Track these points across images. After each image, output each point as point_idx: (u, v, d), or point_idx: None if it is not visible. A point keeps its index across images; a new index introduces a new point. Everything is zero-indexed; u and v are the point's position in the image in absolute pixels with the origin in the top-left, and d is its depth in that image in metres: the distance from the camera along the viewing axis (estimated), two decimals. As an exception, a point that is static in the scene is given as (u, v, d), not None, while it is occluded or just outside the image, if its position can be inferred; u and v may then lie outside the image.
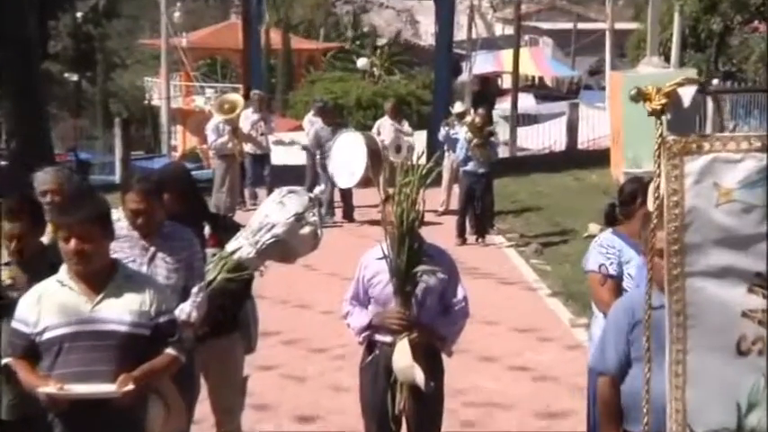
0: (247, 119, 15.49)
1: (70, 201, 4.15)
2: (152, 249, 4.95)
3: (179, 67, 41.27)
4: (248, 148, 15.43)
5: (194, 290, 5.00)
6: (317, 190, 5.74)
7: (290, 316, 9.72)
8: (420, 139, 18.20)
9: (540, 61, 44.27)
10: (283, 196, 5.42)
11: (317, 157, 14.68)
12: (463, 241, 13.32)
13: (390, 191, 5.00)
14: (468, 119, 13.57)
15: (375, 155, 13.66)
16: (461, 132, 13.51)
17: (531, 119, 31.68)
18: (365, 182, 13.79)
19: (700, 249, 3.17)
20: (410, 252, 4.89)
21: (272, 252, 5.35)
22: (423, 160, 5.29)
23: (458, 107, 15.46)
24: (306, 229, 5.33)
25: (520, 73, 32.25)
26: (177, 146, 38.26)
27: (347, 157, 13.74)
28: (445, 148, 15.08)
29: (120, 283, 4.08)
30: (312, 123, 15.52)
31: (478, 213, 13.42)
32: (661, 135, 3.20)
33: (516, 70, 30.19)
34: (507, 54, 37.08)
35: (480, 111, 13.64)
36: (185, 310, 4.91)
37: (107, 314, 4.01)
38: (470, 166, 13.14)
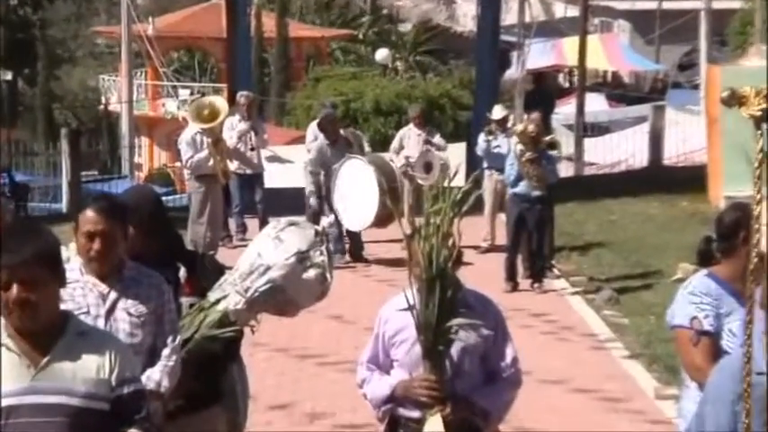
0: (233, 129, 15.59)
1: (10, 236, 4.19)
2: (111, 297, 5.00)
3: (144, 61, 41.59)
4: (234, 166, 15.52)
5: (165, 351, 5.05)
6: (325, 221, 5.77)
7: (289, 382, 9.76)
8: (457, 153, 18.25)
9: (613, 52, 44.30)
10: (281, 230, 5.46)
11: (323, 178, 14.72)
12: (514, 286, 13.33)
13: (417, 222, 5.03)
14: (519, 127, 13.60)
15: (390, 193, 13.54)
16: (508, 144, 13.54)
17: (602, 127, 31.71)
18: (379, 222, 13.87)
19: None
20: (443, 301, 4.92)
21: (267, 302, 5.39)
22: (460, 181, 5.32)
23: (497, 112, 15.44)
24: (310, 273, 5.36)
25: (587, 67, 32.27)
26: (142, 164, 38.49)
27: (355, 194, 13.79)
28: (484, 164, 15.10)
29: (72, 342, 4.12)
30: (316, 135, 15.60)
31: (533, 250, 13.43)
32: (762, 150, 3.22)
33: (583, 64, 30.22)
34: (571, 43, 37.16)
35: (534, 115, 13.66)
36: (153, 378, 4.96)
37: (55, 382, 4.05)
38: (521, 188, 13.15)
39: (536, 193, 13.07)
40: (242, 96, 16.43)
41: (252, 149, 15.86)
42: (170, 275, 5.34)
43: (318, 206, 15.10)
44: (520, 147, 13.01)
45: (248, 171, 15.91)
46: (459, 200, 4.99)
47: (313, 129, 16.04)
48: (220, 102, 14.95)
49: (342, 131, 15.23)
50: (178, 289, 5.40)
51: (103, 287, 5.00)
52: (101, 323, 4.89)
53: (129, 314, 4.99)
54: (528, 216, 13.18)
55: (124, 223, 5.01)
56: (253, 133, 15.85)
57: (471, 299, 5.15)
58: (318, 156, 14.76)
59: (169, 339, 5.06)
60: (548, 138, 13.36)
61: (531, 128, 13.11)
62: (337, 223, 14.34)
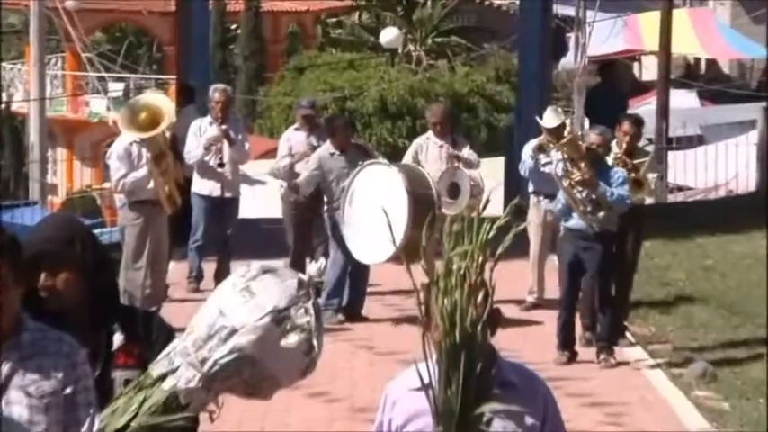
0: (200, 134, 15.63)
1: None
2: (3, 372, 4.97)
3: (62, 44, 41.73)
4: (201, 186, 15.55)
5: (77, 445, 5.07)
6: (313, 267, 5.77)
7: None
8: (493, 170, 18.31)
9: (708, 33, 44.37)
10: (251, 278, 5.47)
11: (325, 205, 14.69)
12: (571, 357, 13.33)
13: (437, 267, 5.05)
14: (568, 137, 13.60)
15: (422, 205, 13.53)
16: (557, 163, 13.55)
17: (692, 137, 31.72)
18: (409, 249, 13.81)
19: None
20: (470, 378, 4.96)
21: (232, 379, 5.41)
22: (497, 209, 5.36)
23: (550, 118, 15.04)
24: (291, 339, 5.38)
25: (673, 54, 32.33)
26: (57, 186, 38.56)
27: (373, 212, 13.73)
28: (531, 188, 15.10)
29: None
30: (290, 141, 15.61)
31: (597, 306, 13.40)
32: None
33: (667, 48, 30.31)
34: (649, 20, 37.24)
35: (625, 126, 13.53)
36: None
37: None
38: (575, 221, 13.15)
39: (597, 227, 13.08)
40: (216, 91, 16.29)
41: (220, 165, 15.77)
42: (102, 339, 5.38)
43: (303, 243, 15.13)
44: (564, 164, 13.02)
45: (228, 194, 15.83)
46: (493, 237, 5.01)
47: (289, 137, 15.95)
48: (163, 101, 14.85)
49: (353, 139, 15.29)
50: (110, 359, 5.43)
51: None
52: (-12, 403, 4.86)
53: (28, 394, 4.97)
54: (586, 259, 13.15)
55: (16, 265, 4.94)
56: (226, 141, 15.74)
57: (511, 375, 5.19)
58: (318, 172, 14.72)
59: (85, 427, 5.04)
60: (648, 154, 13.41)
61: (587, 138, 13.18)
62: (339, 265, 14.34)
